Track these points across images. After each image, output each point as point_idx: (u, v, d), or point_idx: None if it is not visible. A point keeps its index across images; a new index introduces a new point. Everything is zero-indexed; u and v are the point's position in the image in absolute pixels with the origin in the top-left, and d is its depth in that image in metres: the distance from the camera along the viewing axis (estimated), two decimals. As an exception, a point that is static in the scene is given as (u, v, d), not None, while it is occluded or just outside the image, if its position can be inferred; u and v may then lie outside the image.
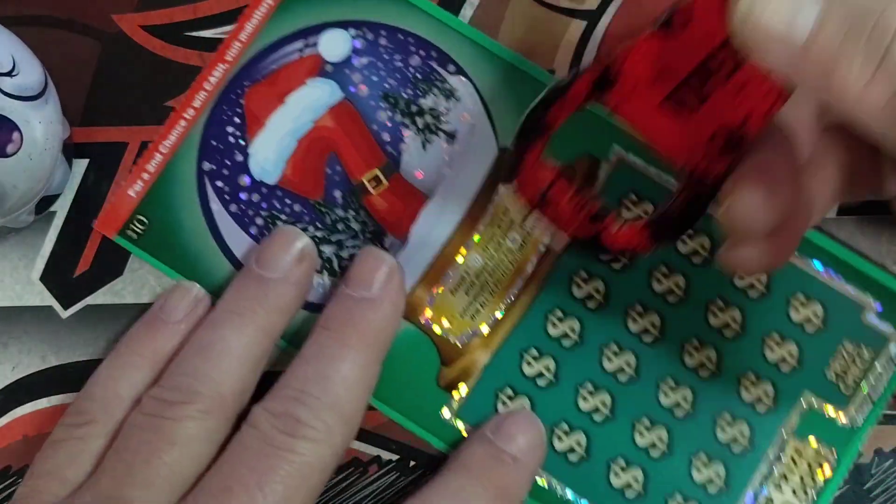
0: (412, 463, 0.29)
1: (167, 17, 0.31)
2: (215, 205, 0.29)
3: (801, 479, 0.28)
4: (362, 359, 0.26)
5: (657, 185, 0.29)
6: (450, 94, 0.30)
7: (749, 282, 0.29)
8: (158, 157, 0.30)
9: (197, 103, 0.30)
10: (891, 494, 0.28)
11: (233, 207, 0.29)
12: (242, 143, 0.30)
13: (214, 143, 0.30)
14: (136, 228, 0.29)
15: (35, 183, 0.27)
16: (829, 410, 0.28)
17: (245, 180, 0.29)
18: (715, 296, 0.29)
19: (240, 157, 0.29)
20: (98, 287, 0.30)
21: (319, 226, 0.29)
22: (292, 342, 0.29)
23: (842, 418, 0.28)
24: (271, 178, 0.29)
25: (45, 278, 0.30)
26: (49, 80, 0.27)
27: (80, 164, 0.30)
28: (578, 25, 0.30)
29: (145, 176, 0.29)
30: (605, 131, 0.29)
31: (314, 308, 0.29)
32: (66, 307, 0.29)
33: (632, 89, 0.22)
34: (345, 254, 0.29)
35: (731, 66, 0.21)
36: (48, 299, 0.29)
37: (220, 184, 0.29)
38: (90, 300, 0.29)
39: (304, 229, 0.29)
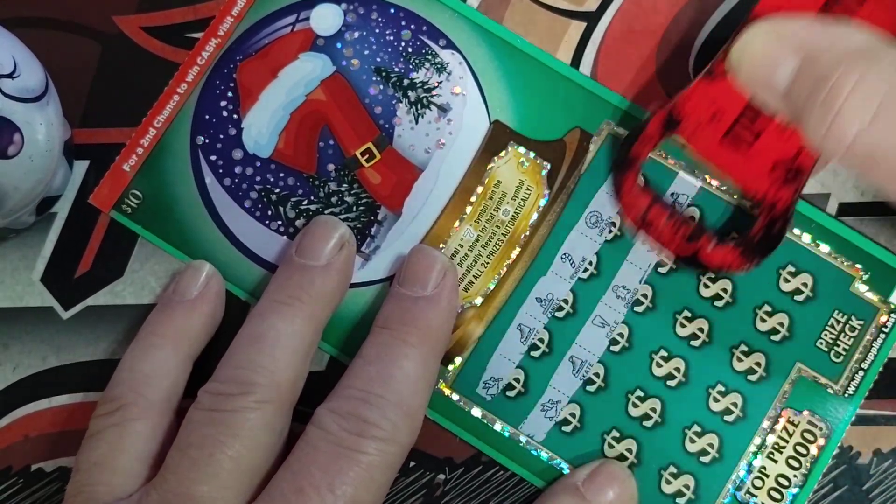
0: (412, 463, 0.29)
1: (167, 18, 0.31)
2: (209, 178, 0.29)
3: (795, 449, 0.28)
4: (423, 356, 0.26)
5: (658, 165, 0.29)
6: (441, 68, 0.30)
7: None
8: (152, 131, 0.30)
9: (190, 78, 0.30)
10: (890, 495, 0.28)
11: (226, 181, 0.29)
12: (235, 117, 0.30)
13: (208, 118, 0.30)
14: (130, 203, 0.29)
15: (36, 184, 0.26)
16: (822, 380, 0.28)
17: (238, 154, 0.30)
18: (706, 267, 0.29)
19: (233, 131, 0.30)
20: (98, 288, 0.30)
21: (314, 199, 0.29)
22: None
23: (834, 388, 0.28)
24: (264, 152, 0.29)
25: (45, 279, 0.30)
26: (50, 82, 0.27)
27: (81, 166, 0.30)
28: (578, 27, 0.30)
29: (139, 151, 0.30)
30: (594, 105, 0.29)
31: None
32: (66, 308, 0.29)
33: (695, 128, 0.25)
34: (338, 227, 0.29)
35: None
36: (49, 300, 0.29)
37: (213, 157, 0.29)
38: (90, 301, 0.29)
39: (299, 202, 0.29)
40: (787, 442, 0.28)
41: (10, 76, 0.25)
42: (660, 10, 0.30)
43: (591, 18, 0.30)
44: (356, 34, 0.30)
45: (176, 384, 0.27)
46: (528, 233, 0.29)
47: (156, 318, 0.28)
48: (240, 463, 0.24)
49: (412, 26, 0.30)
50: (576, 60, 0.30)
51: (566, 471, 0.28)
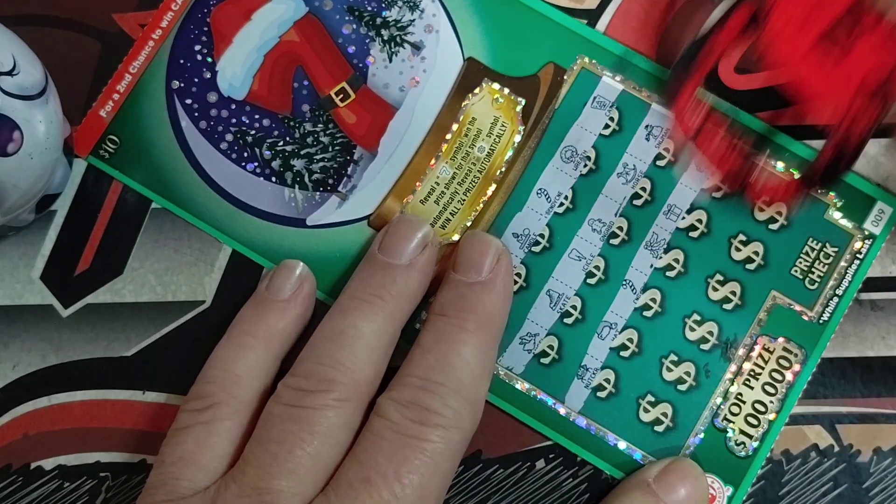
0: None
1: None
2: (185, 122, 0.30)
3: (771, 375, 0.28)
4: (481, 342, 0.26)
5: (625, 95, 0.29)
6: (414, 6, 0.30)
7: (713, 184, 0.29)
8: (128, 77, 0.30)
9: (164, 24, 0.30)
10: (889, 493, 0.28)
11: (202, 124, 0.30)
12: (210, 60, 0.30)
13: (182, 62, 0.30)
14: (107, 148, 0.30)
15: (35, 182, 0.26)
16: (796, 307, 0.28)
17: (213, 97, 0.30)
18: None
19: (208, 75, 0.30)
20: (98, 286, 0.30)
21: (289, 140, 0.30)
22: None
23: (809, 315, 0.28)
24: (239, 94, 0.30)
25: (45, 277, 0.30)
26: (50, 80, 0.27)
27: (81, 164, 0.30)
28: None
29: (115, 97, 0.30)
30: (568, 40, 0.29)
31: (274, 219, 0.29)
32: (66, 306, 0.29)
33: (784, 27, 0.22)
34: (315, 167, 0.29)
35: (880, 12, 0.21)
36: (48, 298, 0.29)
37: (189, 101, 0.30)
38: (90, 299, 0.30)
39: (275, 143, 0.29)
40: (763, 369, 0.28)
41: (9, 74, 0.25)
42: (660, 7, 0.30)
43: (591, 16, 0.30)
44: (327, -26, 0.30)
45: (265, 385, 0.27)
46: (503, 169, 0.29)
47: (248, 315, 0.28)
48: (317, 459, 0.25)
49: (383, -35, 0.30)
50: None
51: (546, 400, 0.29)
